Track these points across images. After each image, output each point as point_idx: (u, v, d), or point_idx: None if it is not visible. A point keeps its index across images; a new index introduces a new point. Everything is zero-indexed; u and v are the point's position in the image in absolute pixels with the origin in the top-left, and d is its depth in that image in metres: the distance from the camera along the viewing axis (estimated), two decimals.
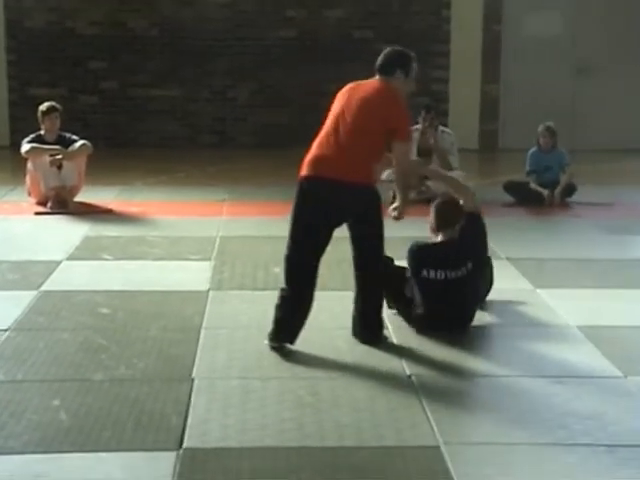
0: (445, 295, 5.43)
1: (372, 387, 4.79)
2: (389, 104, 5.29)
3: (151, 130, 13.62)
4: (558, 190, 9.59)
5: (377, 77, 5.41)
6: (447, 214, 5.63)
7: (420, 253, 5.57)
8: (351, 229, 5.36)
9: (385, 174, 9.46)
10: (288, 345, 5.26)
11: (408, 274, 5.60)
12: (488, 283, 5.99)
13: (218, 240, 7.88)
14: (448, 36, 13.61)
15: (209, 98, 13.69)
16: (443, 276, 5.44)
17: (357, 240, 5.36)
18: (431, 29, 13.62)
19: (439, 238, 5.63)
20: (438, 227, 5.64)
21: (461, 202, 5.69)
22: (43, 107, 9.24)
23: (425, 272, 5.46)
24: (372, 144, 5.25)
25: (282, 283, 5.33)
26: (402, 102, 5.35)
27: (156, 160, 12.50)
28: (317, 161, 5.28)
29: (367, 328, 5.40)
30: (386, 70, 5.36)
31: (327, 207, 5.25)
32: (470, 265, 5.48)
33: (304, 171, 5.32)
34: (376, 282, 5.42)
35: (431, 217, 5.67)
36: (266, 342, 5.28)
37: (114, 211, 9.02)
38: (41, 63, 13.41)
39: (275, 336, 5.29)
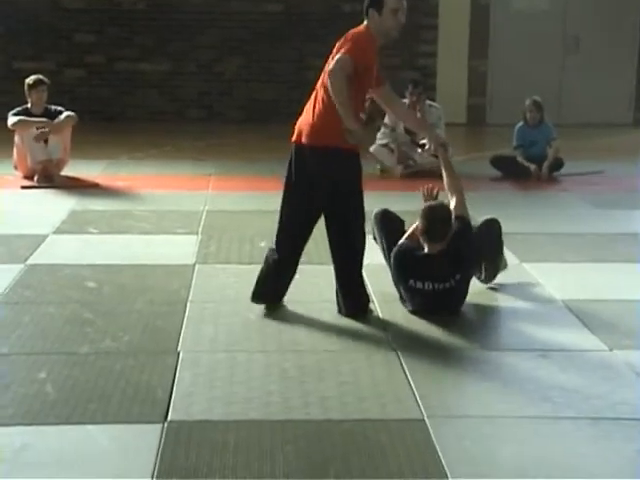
0: (432, 301, 5.38)
1: (357, 360, 4.80)
2: (344, 42, 5.15)
3: (138, 104, 13.57)
4: (545, 164, 9.61)
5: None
6: (438, 227, 5.37)
7: (407, 262, 5.41)
8: (321, 194, 5.32)
9: (372, 148, 9.48)
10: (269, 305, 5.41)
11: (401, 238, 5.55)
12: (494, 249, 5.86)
13: (205, 214, 7.88)
14: (436, 10, 13.57)
15: (196, 72, 13.64)
16: (430, 287, 5.33)
17: (327, 206, 5.33)
18: (419, 3, 13.55)
19: (426, 249, 5.41)
20: (428, 239, 5.39)
21: (451, 206, 5.57)
22: (30, 80, 9.19)
23: (412, 282, 5.36)
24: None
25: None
26: (359, 34, 5.17)
27: (143, 134, 12.47)
28: (296, 127, 5.36)
29: (350, 300, 5.40)
30: (365, 12, 5.24)
31: (304, 171, 5.29)
32: (458, 277, 5.36)
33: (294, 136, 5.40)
34: (351, 248, 5.37)
35: (420, 224, 5.40)
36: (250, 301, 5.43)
37: (101, 185, 9.00)
38: (27, 36, 13.32)
39: (256, 294, 5.42)
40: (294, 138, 5.35)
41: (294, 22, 13.54)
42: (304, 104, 5.42)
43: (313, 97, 5.30)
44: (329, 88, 5.08)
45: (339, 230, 5.34)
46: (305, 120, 5.28)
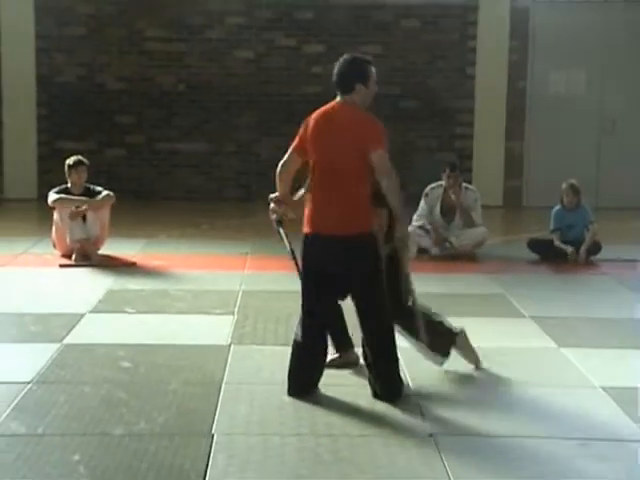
0: None
1: (392, 445, 4.74)
2: (361, 130, 5.17)
3: (176, 183, 13.73)
4: (583, 248, 9.55)
5: (338, 98, 5.29)
6: None
7: None
8: (353, 282, 5.31)
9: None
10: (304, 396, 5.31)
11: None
12: None
13: (241, 294, 7.89)
14: (472, 93, 13.68)
15: (234, 152, 13.80)
16: None
17: (358, 294, 5.32)
18: (456, 86, 13.71)
19: None
20: None
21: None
22: (70, 161, 9.34)
23: None
24: (365, 183, 5.18)
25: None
26: (374, 120, 5.22)
27: (181, 213, 12.60)
28: (318, 216, 5.26)
29: (385, 384, 5.34)
30: (346, 88, 5.23)
31: (329, 262, 5.24)
32: None
33: (308, 228, 5.30)
34: (386, 333, 5.33)
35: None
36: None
37: (138, 264, 9.06)
38: (70, 117, 13.58)
39: (292, 388, 5.36)
40: (319, 229, 5.25)
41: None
42: None
43: (331, 186, 5.20)
44: (386, 190, 5.14)
45: (373, 314, 5.32)
46: (334, 211, 5.20)
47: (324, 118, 5.28)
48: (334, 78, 5.29)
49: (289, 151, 5.45)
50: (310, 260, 5.31)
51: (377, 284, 5.28)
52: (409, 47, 13.62)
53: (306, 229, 5.30)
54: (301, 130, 5.38)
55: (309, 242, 5.29)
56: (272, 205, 5.69)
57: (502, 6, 13.53)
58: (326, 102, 13.38)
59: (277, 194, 5.61)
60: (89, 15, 13.55)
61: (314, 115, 5.35)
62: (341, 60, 5.32)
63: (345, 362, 5.81)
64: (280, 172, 5.49)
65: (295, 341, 5.41)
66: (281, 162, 5.48)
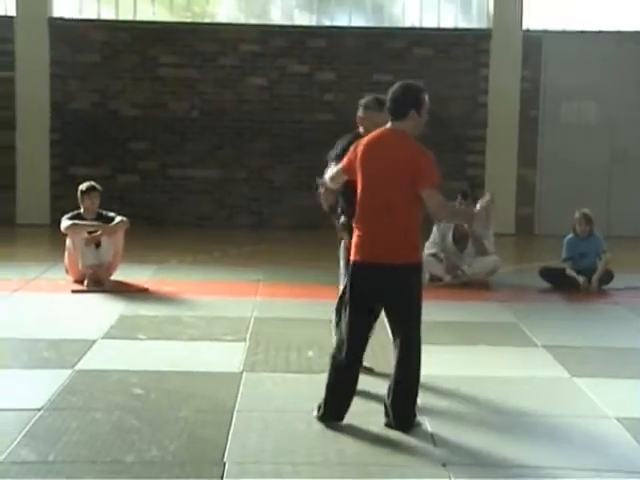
0: None
1: (406, 475, 4.70)
2: (419, 162, 5.16)
3: (189, 210, 13.77)
4: (595, 277, 9.52)
5: (390, 123, 5.28)
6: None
7: None
8: (391, 308, 5.33)
9: None
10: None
11: None
12: None
13: (252, 321, 7.88)
14: (485, 121, 13.70)
15: (246, 179, 13.83)
16: None
17: (397, 320, 5.32)
18: (468, 114, 13.74)
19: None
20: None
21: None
22: (83, 187, 9.36)
23: None
24: (413, 213, 5.22)
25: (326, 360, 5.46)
26: (424, 151, 5.22)
27: (192, 239, 12.63)
28: (367, 244, 5.26)
29: (400, 413, 5.33)
30: (400, 114, 5.22)
31: (376, 290, 5.26)
32: None
33: (356, 255, 5.31)
34: (412, 363, 5.32)
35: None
36: (314, 414, 5.36)
37: (150, 290, 9.07)
38: (83, 143, 13.66)
39: (325, 413, 5.33)
40: (368, 258, 5.24)
41: (344, 131, 13.70)
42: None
43: (380, 215, 5.20)
44: (445, 218, 5.54)
45: (406, 345, 5.30)
46: (383, 240, 5.20)
47: (376, 145, 5.28)
48: (387, 104, 5.30)
49: (337, 168, 5.60)
50: (358, 287, 5.30)
51: (416, 316, 5.29)
52: (421, 75, 13.63)
53: (354, 257, 5.31)
54: (350, 153, 5.41)
55: (357, 269, 5.30)
56: (324, 189, 5.87)
57: (514, 35, 13.58)
58: (338, 129, 13.39)
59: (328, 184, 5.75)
60: (103, 42, 13.65)
61: (365, 140, 5.36)
62: (395, 86, 5.32)
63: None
64: (332, 178, 5.70)
65: (335, 361, 5.37)
66: (331, 172, 5.70)
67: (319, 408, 5.39)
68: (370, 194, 5.23)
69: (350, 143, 5.70)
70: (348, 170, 5.43)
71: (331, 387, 5.38)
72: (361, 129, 6.21)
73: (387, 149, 5.23)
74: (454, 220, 5.15)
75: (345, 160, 5.47)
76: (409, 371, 5.31)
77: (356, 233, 5.32)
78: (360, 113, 6.32)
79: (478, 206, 5.65)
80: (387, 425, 5.34)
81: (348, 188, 5.55)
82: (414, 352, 5.32)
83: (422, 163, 5.17)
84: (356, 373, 5.39)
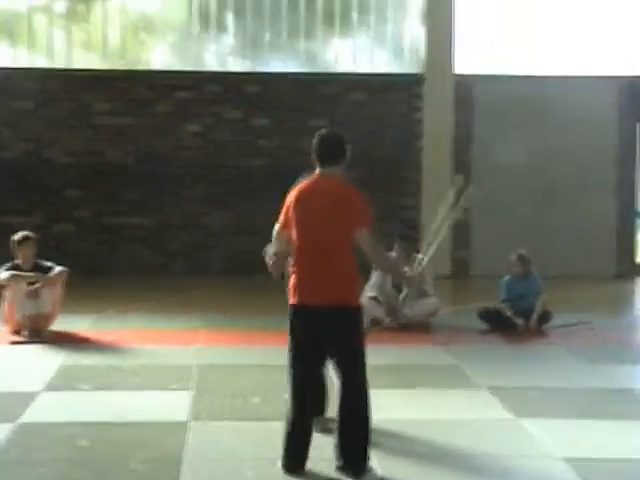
0: None
1: None
2: (352, 203, 5.22)
3: (125, 258, 13.66)
4: (534, 318, 9.64)
5: (321, 170, 5.32)
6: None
7: None
8: (333, 350, 5.32)
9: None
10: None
11: None
12: None
13: (195, 368, 7.84)
14: (419, 164, 13.89)
15: (182, 225, 13.80)
16: None
17: (340, 362, 5.32)
18: (402, 157, 13.91)
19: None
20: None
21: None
22: (17, 237, 9.25)
23: None
24: (350, 255, 5.24)
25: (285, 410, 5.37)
26: (357, 191, 5.27)
27: (130, 288, 12.52)
28: (304, 287, 5.27)
29: (349, 459, 5.31)
30: (333, 160, 5.29)
31: (315, 332, 5.26)
32: None
33: (294, 298, 5.32)
34: (363, 404, 5.29)
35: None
36: (279, 466, 5.30)
37: (89, 339, 8.97)
38: (17, 191, 13.50)
39: (289, 464, 5.29)
40: (305, 300, 5.26)
41: (279, 176, 13.78)
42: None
43: (316, 259, 5.23)
44: (377, 265, 5.44)
45: (348, 384, 5.29)
46: (320, 283, 5.23)
47: (309, 190, 5.31)
48: (319, 151, 5.31)
49: (277, 228, 5.49)
50: (298, 330, 5.31)
51: (359, 357, 5.29)
52: (356, 119, 13.81)
53: (292, 300, 5.33)
54: (284, 206, 5.40)
55: (296, 313, 5.31)
56: (271, 261, 5.65)
57: (446, 80, 13.82)
58: (274, 173, 13.35)
59: (274, 250, 5.60)
60: (36, 90, 13.56)
61: (297, 188, 5.37)
62: (326, 133, 5.39)
63: (324, 427, 5.79)
64: (276, 239, 5.57)
65: (289, 414, 5.34)
66: (274, 235, 5.56)
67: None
68: (305, 236, 5.27)
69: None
70: (285, 225, 5.41)
71: (288, 439, 5.34)
72: None
73: (320, 192, 5.28)
74: (389, 273, 5.26)
75: (281, 216, 5.45)
76: (356, 411, 5.27)
77: (293, 276, 5.34)
78: None
79: (412, 270, 5.70)
80: (339, 469, 5.32)
81: None
82: (359, 392, 5.29)
83: (355, 203, 5.24)
84: (309, 425, 5.35)
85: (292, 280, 5.34)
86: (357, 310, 5.35)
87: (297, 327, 5.31)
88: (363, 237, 5.22)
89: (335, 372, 5.39)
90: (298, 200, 5.31)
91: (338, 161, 5.32)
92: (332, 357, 5.36)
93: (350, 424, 5.29)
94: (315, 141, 5.36)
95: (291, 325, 5.34)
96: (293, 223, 5.31)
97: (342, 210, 5.23)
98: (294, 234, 5.31)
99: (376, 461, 5.47)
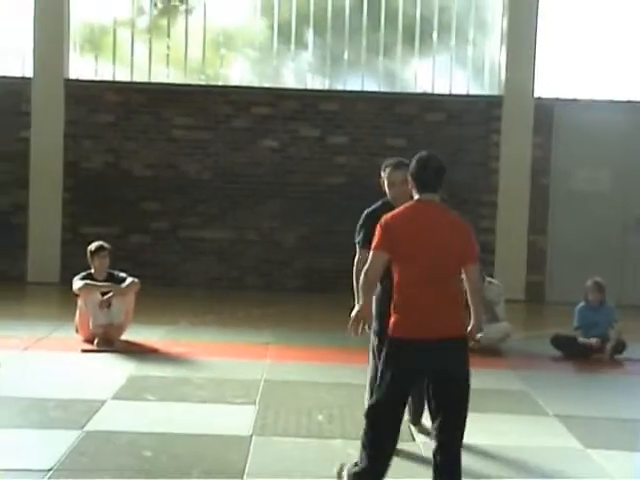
0: None
1: None
2: (469, 236, 5.07)
3: (199, 270, 13.77)
4: (608, 347, 9.45)
5: (421, 196, 5.06)
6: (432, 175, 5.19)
7: None
8: (446, 379, 5.03)
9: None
10: None
11: None
12: None
13: (262, 384, 7.84)
14: (496, 187, 13.75)
15: (257, 241, 13.86)
16: None
17: (450, 392, 5.02)
18: (479, 180, 13.79)
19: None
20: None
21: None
22: (92, 247, 9.38)
23: None
24: (458, 287, 5.05)
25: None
26: (469, 227, 5.13)
27: (202, 301, 12.63)
28: (415, 320, 4.96)
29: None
30: (438, 186, 5.08)
31: (424, 367, 4.99)
32: None
33: (400, 332, 4.98)
34: (459, 444, 5.07)
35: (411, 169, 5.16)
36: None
37: (160, 351, 9.04)
38: (95, 202, 13.72)
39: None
40: (423, 333, 4.92)
41: (355, 194, 13.79)
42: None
43: (431, 289, 4.94)
44: (477, 292, 5.14)
45: (460, 415, 5.03)
46: (437, 314, 4.93)
47: (422, 220, 5.04)
48: (423, 176, 5.07)
49: (372, 254, 5.05)
50: (397, 364, 4.98)
51: (468, 393, 5.05)
52: (433, 140, 13.75)
53: (398, 333, 4.96)
54: (382, 230, 5.03)
55: (400, 347, 4.97)
56: (356, 322, 5.20)
57: (526, 102, 13.68)
58: (350, 192, 13.26)
59: (361, 306, 5.12)
60: (117, 103, 13.78)
61: (402, 214, 5.06)
62: (433, 157, 5.15)
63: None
64: (367, 278, 5.06)
65: (366, 443, 5.07)
66: (364, 268, 5.07)
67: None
68: (418, 268, 4.95)
69: (379, 214, 5.42)
70: (389, 249, 4.99)
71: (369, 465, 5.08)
72: (389, 194, 5.99)
73: (435, 220, 5.04)
74: (477, 305, 5.06)
75: (378, 240, 5.02)
76: (461, 438, 5.05)
77: (398, 309, 5.00)
78: (398, 176, 6.00)
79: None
80: None
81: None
82: (464, 421, 5.05)
83: (471, 236, 5.09)
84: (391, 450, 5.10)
85: (395, 313, 5.00)
86: (466, 340, 5.08)
87: (397, 361, 4.97)
88: (474, 272, 5.08)
89: (436, 405, 5.07)
90: (406, 228, 5.01)
91: (439, 187, 5.10)
92: (439, 389, 5.03)
93: (456, 451, 5.07)
94: (416, 165, 5.11)
95: (388, 358, 5.01)
96: (399, 252, 4.98)
97: (460, 243, 5.04)
98: (400, 264, 4.99)
99: None
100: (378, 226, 5.05)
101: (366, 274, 5.04)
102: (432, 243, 4.97)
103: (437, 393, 5.00)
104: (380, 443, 5.04)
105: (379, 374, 5.07)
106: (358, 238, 6.26)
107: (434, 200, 5.08)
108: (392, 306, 5.01)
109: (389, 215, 5.10)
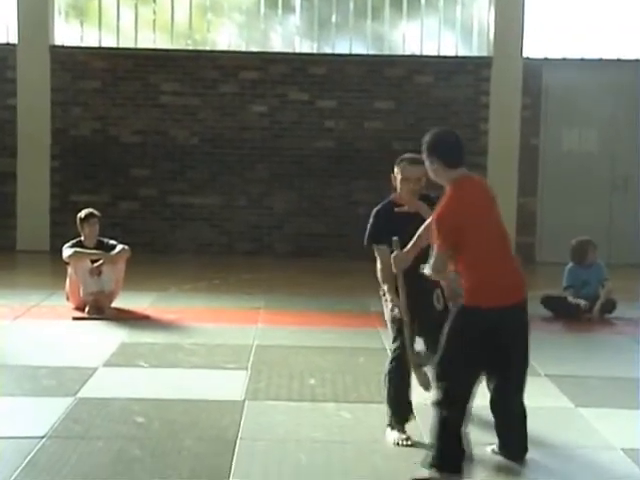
0: None
1: None
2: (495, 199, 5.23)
3: (189, 237, 13.75)
4: (597, 306, 9.49)
5: (462, 169, 5.09)
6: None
7: None
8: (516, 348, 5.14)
9: None
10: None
11: None
12: None
13: (254, 349, 7.85)
14: (485, 149, 13.73)
15: (246, 206, 13.83)
16: None
17: (516, 361, 5.17)
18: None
19: None
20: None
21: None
22: (82, 214, 9.37)
23: None
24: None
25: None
26: None
27: (192, 267, 12.61)
28: (497, 284, 4.97)
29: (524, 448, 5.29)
30: (464, 160, 5.15)
31: (504, 333, 5.05)
32: None
33: (480, 300, 4.95)
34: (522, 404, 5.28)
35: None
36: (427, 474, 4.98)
37: (151, 317, 9.05)
38: (84, 170, 13.66)
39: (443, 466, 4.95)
40: (511, 299, 5.02)
41: (344, 158, 13.76)
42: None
43: (502, 254, 5.05)
44: None
45: (521, 381, 5.23)
46: (519, 276, 5.09)
47: (476, 188, 5.15)
48: (457, 151, 5.11)
49: (439, 250, 4.95)
50: (474, 335, 4.95)
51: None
52: (422, 102, 13.70)
53: (477, 301, 4.92)
54: (444, 226, 4.95)
55: (484, 316, 4.93)
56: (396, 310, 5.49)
57: (515, 63, 13.62)
58: (339, 156, 13.14)
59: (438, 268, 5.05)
60: (104, 69, 13.68)
61: (462, 185, 5.05)
62: (455, 134, 5.23)
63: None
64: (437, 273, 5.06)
65: (443, 417, 4.98)
66: (438, 263, 4.97)
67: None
68: (487, 233, 5.01)
69: (389, 214, 5.68)
70: (458, 228, 4.95)
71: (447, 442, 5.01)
72: (400, 189, 5.84)
73: (483, 190, 5.17)
74: None
75: (446, 237, 4.93)
76: (523, 407, 5.29)
77: (470, 277, 4.95)
78: (414, 172, 5.74)
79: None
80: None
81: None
82: (523, 386, 5.26)
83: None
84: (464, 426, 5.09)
85: (469, 281, 4.96)
86: None
87: (475, 332, 4.94)
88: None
89: (503, 371, 5.17)
90: (472, 195, 5.07)
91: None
92: (505, 358, 5.11)
93: (523, 418, 5.27)
94: (445, 144, 5.10)
95: (464, 330, 4.95)
96: (468, 221, 4.96)
97: (497, 206, 5.19)
98: (470, 239, 4.94)
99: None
100: (436, 222, 4.97)
101: (437, 270, 4.97)
102: (493, 211, 5.10)
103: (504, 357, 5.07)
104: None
105: (447, 352, 4.98)
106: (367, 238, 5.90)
107: (467, 172, 5.10)
108: (469, 280, 4.96)
109: (443, 210, 5.00)
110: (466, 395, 4.99)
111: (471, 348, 4.94)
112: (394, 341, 5.72)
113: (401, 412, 5.63)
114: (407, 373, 5.61)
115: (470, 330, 4.95)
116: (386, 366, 5.74)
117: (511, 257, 5.13)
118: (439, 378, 5.00)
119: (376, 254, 5.76)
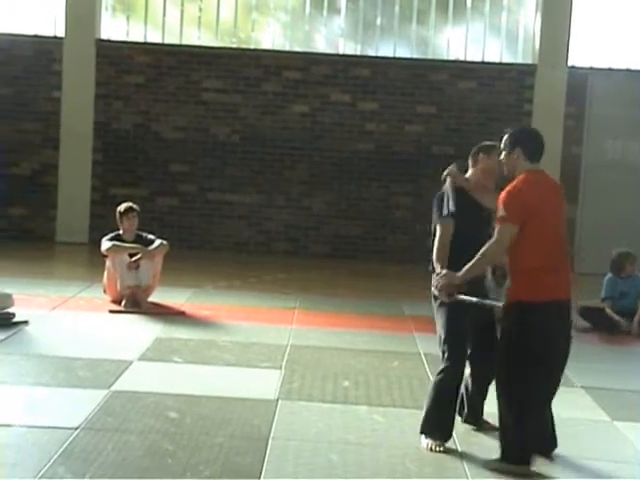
0: None
1: None
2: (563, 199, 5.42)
3: (226, 234, 13.78)
4: (636, 319, 9.39)
5: (533, 165, 5.31)
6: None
7: None
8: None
9: None
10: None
11: None
12: None
13: (288, 349, 7.85)
14: None
15: (284, 205, 13.83)
16: None
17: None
18: None
19: None
20: None
21: None
22: (121, 208, 9.40)
23: None
24: None
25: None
26: None
27: (229, 264, 12.63)
28: (561, 281, 5.20)
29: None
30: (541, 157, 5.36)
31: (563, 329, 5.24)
32: None
33: (546, 295, 5.10)
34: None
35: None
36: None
37: (186, 313, 9.07)
38: (125, 164, 13.73)
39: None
40: (560, 295, 5.19)
41: (383, 161, 13.73)
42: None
43: (564, 251, 5.31)
44: None
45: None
46: (568, 274, 5.30)
47: (552, 185, 5.40)
48: (540, 149, 5.36)
49: (506, 226, 5.10)
50: (551, 332, 5.10)
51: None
52: (464, 108, 13.64)
53: (543, 296, 5.06)
54: (517, 200, 5.13)
55: (558, 311, 5.14)
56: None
57: (560, 71, 13.52)
58: (378, 159, 13.06)
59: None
60: (148, 64, 13.75)
61: (538, 176, 5.29)
62: (537, 132, 5.55)
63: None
64: (497, 250, 5.17)
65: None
66: (501, 243, 5.11)
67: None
68: (553, 232, 5.19)
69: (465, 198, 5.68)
70: (523, 219, 5.12)
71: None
72: (476, 177, 5.82)
73: (555, 189, 5.37)
74: None
75: (515, 210, 5.09)
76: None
77: (535, 271, 5.08)
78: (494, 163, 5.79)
79: None
80: None
81: None
82: None
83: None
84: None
85: (534, 275, 5.08)
86: None
87: (551, 328, 5.08)
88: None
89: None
90: (545, 194, 5.24)
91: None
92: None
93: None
94: (534, 140, 5.37)
95: (540, 328, 5.06)
96: (536, 218, 5.11)
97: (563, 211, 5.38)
98: (537, 228, 5.09)
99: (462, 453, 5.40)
100: (507, 197, 5.13)
101: (499, 245, 5.10)
102: (559, 209, 5.29)
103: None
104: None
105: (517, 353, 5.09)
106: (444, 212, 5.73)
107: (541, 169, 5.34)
108: (524, 270, 5.11)
109: (517, 187, 5.18)
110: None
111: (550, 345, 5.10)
112: (451, 353, 5.51)
113: (444, 426, 5.54)
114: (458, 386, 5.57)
115: (549, 326, 5.08)
116: (438, 375, 5.59)
117: (567, 258, 5.33)
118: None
119: (440, 231, 5.54)
